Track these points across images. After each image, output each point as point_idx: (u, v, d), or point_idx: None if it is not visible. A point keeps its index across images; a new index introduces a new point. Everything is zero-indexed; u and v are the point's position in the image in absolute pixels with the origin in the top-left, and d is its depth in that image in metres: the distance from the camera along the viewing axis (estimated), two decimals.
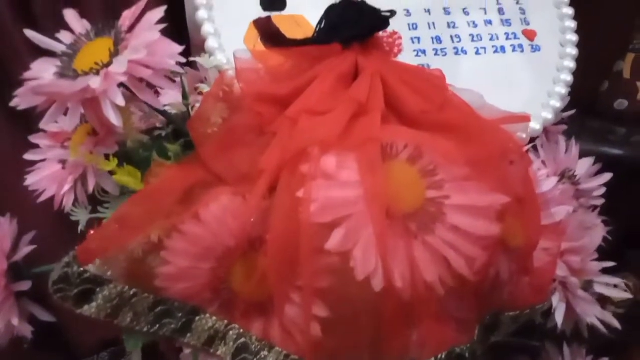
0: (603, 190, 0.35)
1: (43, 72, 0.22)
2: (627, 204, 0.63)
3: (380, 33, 0.27)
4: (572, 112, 0.38)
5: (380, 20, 0.25)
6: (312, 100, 0.22)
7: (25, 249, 0.27)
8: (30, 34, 0.22)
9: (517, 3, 0.32)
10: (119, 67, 0.19)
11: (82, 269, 0.18)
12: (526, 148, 0.27)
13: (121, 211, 0.21)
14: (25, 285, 0.26)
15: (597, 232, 0.26)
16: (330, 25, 0.26)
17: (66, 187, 0.24)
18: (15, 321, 0.26)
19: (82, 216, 0.26)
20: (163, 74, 0.21)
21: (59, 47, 0.22)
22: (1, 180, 0.41)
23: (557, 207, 0.25)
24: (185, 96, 0.27)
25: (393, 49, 0.29)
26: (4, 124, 0.39)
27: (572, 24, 0.31)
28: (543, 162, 0.29)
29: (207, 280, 0.19)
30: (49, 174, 0.26)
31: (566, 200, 0.26)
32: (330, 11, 0.26)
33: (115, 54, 0.20)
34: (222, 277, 0.19)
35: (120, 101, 0.19)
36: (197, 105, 0.28)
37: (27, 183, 0.27)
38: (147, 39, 0.19)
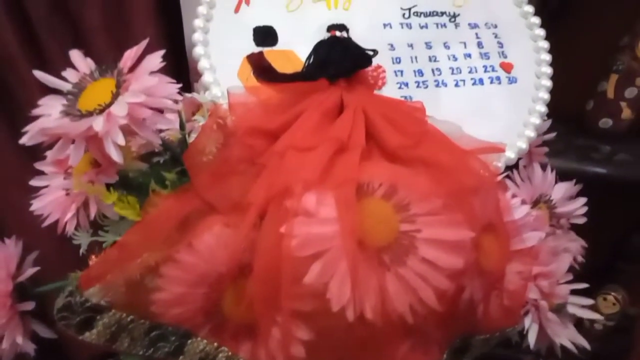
0: (584, 210, 0.37)
1: (50, 108, 0.24)
2: (615, 219, 0.65)
3: None
4: (553, 134, 0.39)
5: (364, 58, 0.27)
6: (298, 136, 0.23)
7: (30, 270, 0.28)
8: (38, 74, 0.24)
9: (496, 37, 0.33)
10: (119, 110, 0.21)
11: (84, 298, 0.19)
12: (501, 176, 0.29)
13: (122, 239, 0.23)
14: (29, 306, 0.27)
15: (565, 258, 0.27)
16: (318, 62, 0.28)
17: (69, 215, 0.26)
18: (19, 339, 0.27)
19: (83, 240, 0.28)
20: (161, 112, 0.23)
21: (65, 86, 0.24)
22: (8, 199, 0.43)
23: (530, 232, 0.27)
24: (182, 126, 0.29)
25: (377, 82, 0.31)
26: (12, 147, 0.41)
27: (547, 57, 0.33)
28: (518, 187, 0.30)
29: (200, 304, 0.21)
30: (53, 200, 0.28)
31: (539, 226, 0.27)
32: (318, 48, 0.28)
33: (116, 95, 0.22)
34: (213, 301, 0.21)
35: (121, 140, 0.21)
36: (194, 130, 0.30)
37: (32, 208, 0.28)
38: (146, 84, 0.21)
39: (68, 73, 0.25)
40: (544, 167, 0.35)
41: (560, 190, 0.33)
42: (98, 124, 0.20)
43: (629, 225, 0.65)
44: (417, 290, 0.18)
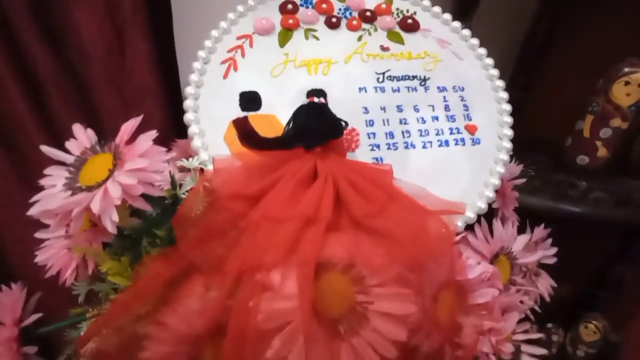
0: (552, 251, 0.40)
1: (55, 179, 0.27)
2: (592, 252, 0.68)
3: None
4: (523, 180, 0.42)
5: (336, 130, 0.30)
6: (273, 206, 0.26)
7: (34, 316, 0.31)
8: (45, 149, 0.27)
9: (462, 100, 0.36)
10: (114, 190, 0.24)
11: None
12: (461, 235, 0.32)
13: (115, 299, 0.26)
14: (33, 349, 0.30)
15: (514, 316, 0.30)
16: (295, 130, 0.31)
17: (69, 271, 0.29)
18: None
19: (82, 290, 0.31)
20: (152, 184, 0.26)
21: (68, 159, 0.27)
22: (15, 237, 0.46)
23: (486, 289, 0.29)
24: (174, 185, 0.32)
25: (351, 145, 0.34)
26: (17, 185, 0.44)
27: (509, 120, 0.36)
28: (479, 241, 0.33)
29: None
30: (55, 254, 0.31)
31: (494, 283, 0.30)
32: (296, 115, 0.31)
33: (112, 171, 0.25)
34: (194, 358, 0.24)
35: (115, 217, 0.24)
36: (184, 185, 0.33)
37: (36, 260, 0.31)
38: (137, 165, 0.24)
39: (71, 145, 0.28)
40: (512, 216, 0.38)
41: (522, 242, 0.35)
42: (95, 205, 0.23)
43: (607, 256, 0.68)
44: (366, 359, 0.21)
